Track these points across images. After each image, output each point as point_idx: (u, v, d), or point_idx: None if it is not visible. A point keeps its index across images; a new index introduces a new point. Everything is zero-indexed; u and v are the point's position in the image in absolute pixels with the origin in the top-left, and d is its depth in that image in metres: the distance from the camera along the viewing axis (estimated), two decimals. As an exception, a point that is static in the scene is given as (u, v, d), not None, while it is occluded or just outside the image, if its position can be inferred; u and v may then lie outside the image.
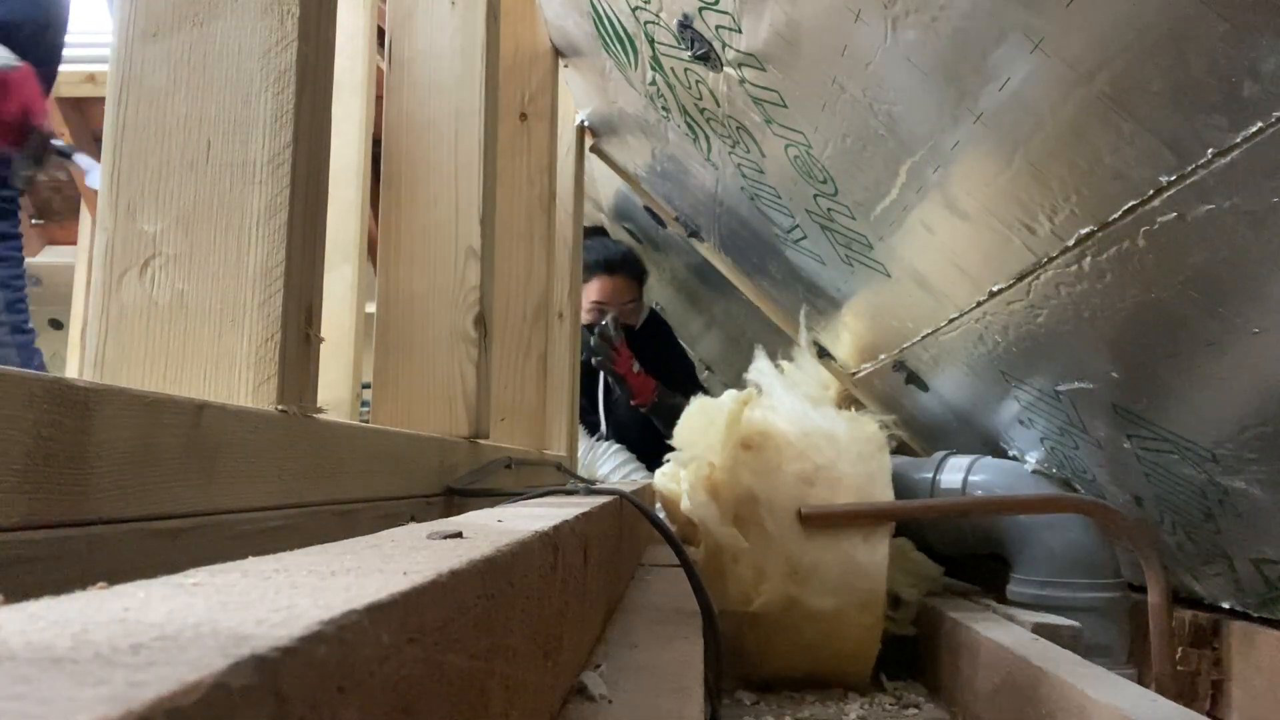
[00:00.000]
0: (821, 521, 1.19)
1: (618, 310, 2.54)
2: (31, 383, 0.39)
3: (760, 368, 1.38)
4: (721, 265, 1.86)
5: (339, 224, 1.76)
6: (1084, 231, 0.80)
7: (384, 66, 1.09)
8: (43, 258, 4.53)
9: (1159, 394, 0.88)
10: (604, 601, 0.75)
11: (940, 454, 1.35)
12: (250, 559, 0.29)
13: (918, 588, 1.25)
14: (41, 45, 1.18)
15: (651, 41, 1.22)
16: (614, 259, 2.56)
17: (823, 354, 1.62)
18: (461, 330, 1.01)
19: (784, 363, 1.44)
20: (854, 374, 1.60)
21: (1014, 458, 1.27)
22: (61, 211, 4.48)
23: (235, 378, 0.59)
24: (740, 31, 1.03)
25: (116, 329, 0.59)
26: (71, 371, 3.28)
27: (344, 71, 1.75)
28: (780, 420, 1.28)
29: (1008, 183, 0.85)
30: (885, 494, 1.20)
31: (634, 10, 1.21)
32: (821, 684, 1.18)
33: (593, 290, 2.48)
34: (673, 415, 1.40)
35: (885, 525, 1.17)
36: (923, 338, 1.28)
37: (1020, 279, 0.93)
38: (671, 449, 1.32)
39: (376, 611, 0.22)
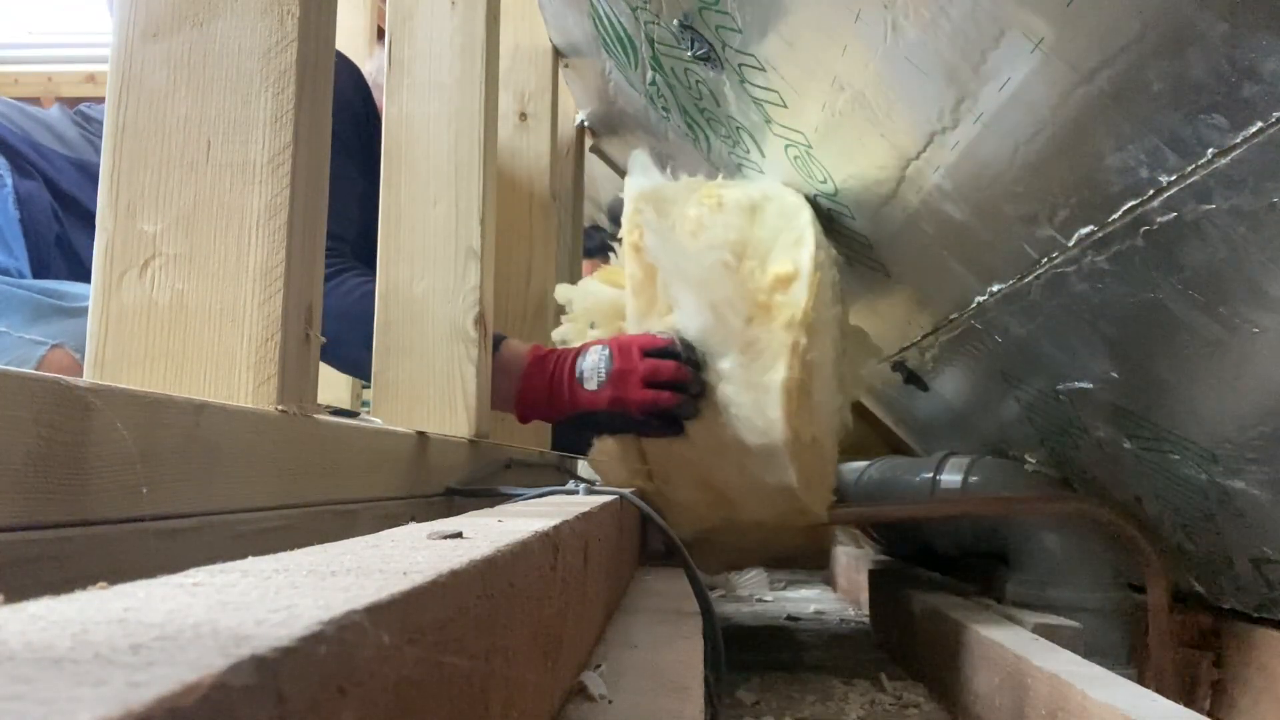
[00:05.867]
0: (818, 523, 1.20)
1: None
2: (31, 383, 0.39)
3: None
4: (721, 265, 1.85)
5: (339, 224, 1.75)
6: (1084, 231, 0.80)
7: (384, 66, 1.09)
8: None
9: (1159, 394, 0.88)
10: (604, 601, 0.75)
11: (940, 454, 1.35)
12: (250, 559, 0.29)
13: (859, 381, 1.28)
14: None
15: (651, 41, 1.22)
16: (591, 245, 2.56)
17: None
18: (461, 330, 1.01)
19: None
20: (854, 374, 1.60)
21: (1014, 458, 1.27)
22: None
23: (235, 378, 0.59)
24: (740, 31, 1.03)
25: (116, 329, 0.59)
26: (71, 371, 3.27)
27: (344, 71, 1.75)
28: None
29: (1008, 183, 0.85)
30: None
31: (634, 10, 1.21)
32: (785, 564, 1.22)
33: None
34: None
35: (793, 454, 1.11)
36: (923, 338, 1.28)
37: (1020, 279, 0.93)
38: None
39: (376, 612, 0.22)
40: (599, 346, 1.15)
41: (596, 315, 1.25)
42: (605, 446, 1.21)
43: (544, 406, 1.18)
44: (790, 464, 1.10)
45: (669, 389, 1.10)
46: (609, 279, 1.26)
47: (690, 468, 1.17)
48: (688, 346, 1.12)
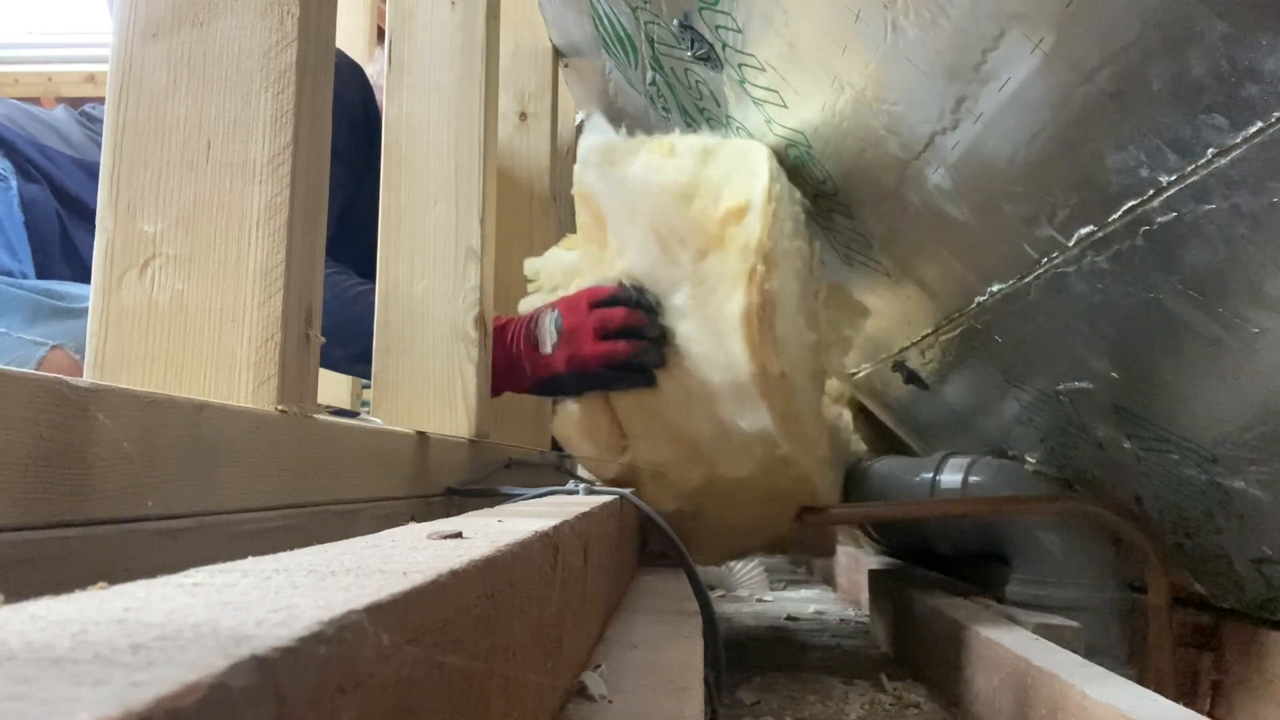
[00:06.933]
0: (816, 521, 1.20)
1: None
2: (31, 383, 0.39)
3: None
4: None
5: (339, 224, 1.75)
6: (1084, 231, 0.80)
7: (384, 66, 1.09)
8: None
9: (1159, 394, 0.88)
10: (604, 601, 0.75)
11: (940, 454, 1.35)
12: (250, 559, 0.29)
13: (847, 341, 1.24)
14: None
15: (651, 41, 1.22)
16: None
17: (823, 354, 1.61)
18: (461, 330, 1.01)
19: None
20: (853, 374, 1.60)
21: (1014, 458, 1.27)
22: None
23: (235, 378, 0.59)
24: (740, 31, 1.03)
25: (116, 329, 0.59)
26: (71, 371, 3.27)
27: (344, 71, 1.75)
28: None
29: (1008, 183, 0.85)
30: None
31: (634, 10, 1.21)
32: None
33: None
34: None
35: (763, 390, 1.06)
36: (923, 337, 1.28)
37: (1020, 279, 0.93)
38: None
39: (376, 612, 0.22)
40: (549, 309, 1.11)
41: (560, 281, 1.22)
42: (569, 418, 1.17)
43: (508, 378, 1.15)
44: (761, 400, 1.06)
45: (625, 337, 1.07)
46: (573, 245, 1.23)
47: (661, 422, 1.12)
48: (638, 290, 1.08)
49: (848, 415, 1.38)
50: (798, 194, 1.17)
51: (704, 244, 1.06)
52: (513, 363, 1.13)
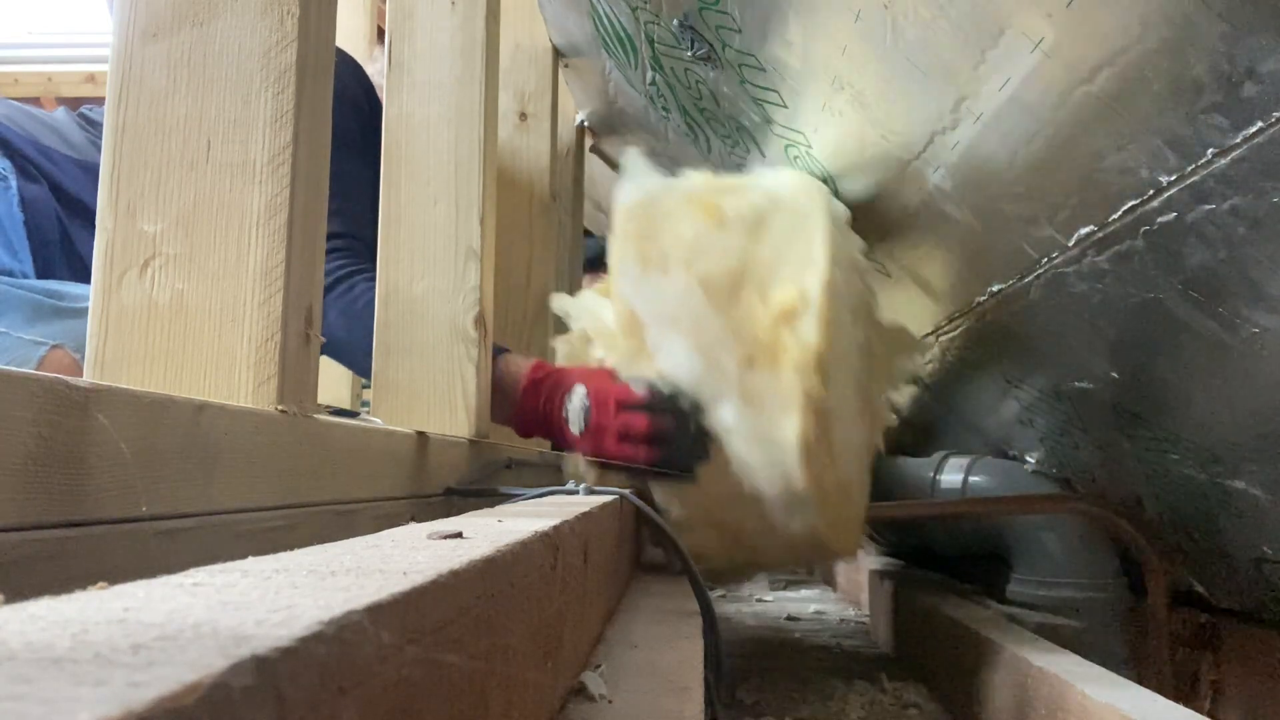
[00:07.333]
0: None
1: None
2: (31, 383, 0.39)
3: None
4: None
5: (339, 224, 1.75)
6: (1084, 231, 0.80)
7: (384, 66, 1.09)
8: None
9: (1159, 394, 0.88)
10: (604, 601, 0.75)
11: (940, 454, 1.35)
12: (250, 559, 0.29)
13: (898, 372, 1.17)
14: None
15: (651, 41, 1.22)
16: (591, 255, 2.52)
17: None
18: (461, 330, 1.01)
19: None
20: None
21: (1014, 458, 1.27)
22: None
23: (235, 378, 0.59)
24: (740, 31, 1.03)
25: (116, 329, 0.59)
26: (71, 371, 3.27)
27: (344, 71, 1.75)
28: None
29: (1008, 183, 0.85)
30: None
31: (634, 10, 1.21)
32: None
33: None
34: None
35: (817, 501, 0.99)
36: (922, 338, 1.28)
37: (1020, 279, 0.93)
38: None
39: (376, 612, 0.22)
40: (581, 390, 1.08)
41: (595, 335, 1.18)
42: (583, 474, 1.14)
43: (542, 434, 1.15)
44: (815, 510, 1.00)
45: (648, 442, 1.03)
46: (606, 291, 1.18)
47: (704, 511, 1.07)
48: (674, 396, 1.03)
49: (890, 412, 1.32)
50: (858, 255, 1.06)
51: (751, 349, 0.98)
52: (547, 426, 1.12)
